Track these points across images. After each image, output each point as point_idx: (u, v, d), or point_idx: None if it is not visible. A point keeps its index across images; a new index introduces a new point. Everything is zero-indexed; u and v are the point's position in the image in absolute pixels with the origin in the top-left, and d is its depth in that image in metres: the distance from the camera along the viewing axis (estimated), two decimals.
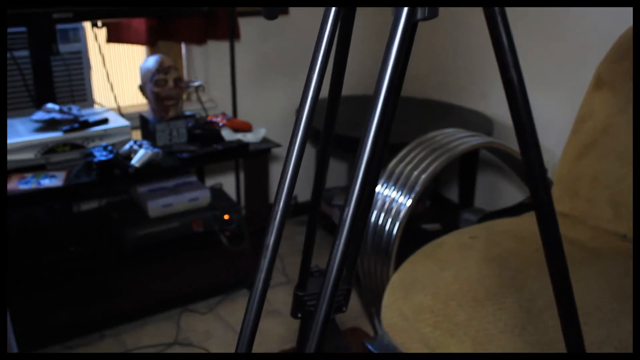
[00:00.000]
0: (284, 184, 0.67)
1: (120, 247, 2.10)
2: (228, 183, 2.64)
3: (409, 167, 1.87)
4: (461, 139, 1.92)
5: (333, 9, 0.68)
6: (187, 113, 2.28)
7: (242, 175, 2.62)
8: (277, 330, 2.18)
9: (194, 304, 2.32)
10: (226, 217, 2.27)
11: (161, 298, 2.21)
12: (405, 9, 0.60)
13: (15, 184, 1.89)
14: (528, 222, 1.88)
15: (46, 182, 1.90)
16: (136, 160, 1.99)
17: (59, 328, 2.04)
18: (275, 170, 2.61)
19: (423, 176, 1.83)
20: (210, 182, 2.59)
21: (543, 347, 1.37)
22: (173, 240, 2.17)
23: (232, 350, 1.96)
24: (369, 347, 1.90)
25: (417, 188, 1.82)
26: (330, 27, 0.68)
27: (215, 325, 2.21)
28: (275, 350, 2.06)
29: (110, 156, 1.94)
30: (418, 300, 1.60)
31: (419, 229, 2.55)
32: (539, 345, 1.37)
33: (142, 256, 2.11)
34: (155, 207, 2.17)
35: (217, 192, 2.41)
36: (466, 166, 2.64)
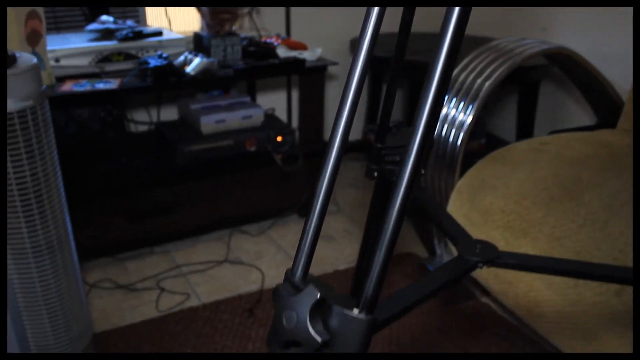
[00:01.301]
0: (345, 106, 0.60)
1: (173, 163, 2.05)
2: (280, 109, 2.57)
3: (472, 75, 1.77)
4: (526, 45, 1.82)
5: None
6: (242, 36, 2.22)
7: (294, 100, 2.55)
8: (330, 253, 2.13)
9: (244, 226, 2.27)
10: (279, 138, 2.21)
11: (212, 218, 2.16)
12: None
13: (70, 87, 1.85)
14: (603, 134, 1.77)
15: (101, 86, 1.86)
16: (192, 69, 1.94)
17: (110, 240, 2.01)
18: (330, 91, 2.53)
19: (487, 83, 1.74)
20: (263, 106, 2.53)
21: (627, 239, 1.27)
22: (226, 158, 2.12)
23: (283, 269, 1.90)
24: (429, 267, 1.81)
25: (482, 95, 1.72)
26: None
27: (266, 246, 2.16)
28: (329, 271, 2.00)
29: (166, 62, 1.89)
30: (487, 202, 1.52)
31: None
32: (622, 238, 1.27)
33: (194, 172, 2.06)
34: (208, 122, 2.11)
35: (270, 117, 2.34)
36: (525, 98, 2.52)
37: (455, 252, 1.69)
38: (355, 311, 0.53)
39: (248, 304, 1.83)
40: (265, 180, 2.20)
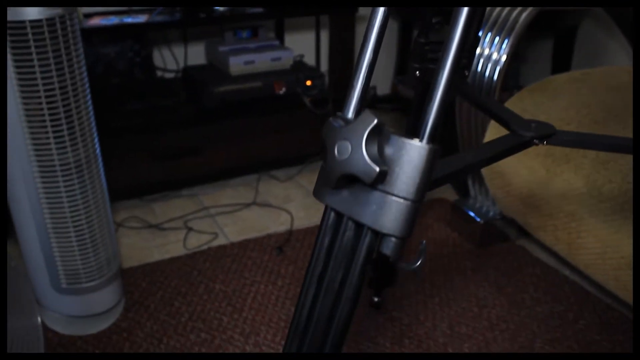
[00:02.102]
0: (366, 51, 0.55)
1: (201, 103, 2.02)
2: (309, 55, 2.52)
3: (507, 9, 1.70)
4: None
5: None
6: None
7: (323, 45, 2.49)
8: None
9: (272, 172, 2.22)
10: (308, 83, 2.16)
11: (240, 162, 2.12)
12: None
13: (97, 21, 1.82)
14: None
15: (129, 20, 1.82)
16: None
17: (138, 182, 1.99)
18: (361, 34, 2.46)
19: (524, 14, 1.66)
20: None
21: None
22: (254, 100, 2.08)
23: (312, 212, 1.85)
24: (466, 210, 1.76)
25: (517, 29, 1.65)
26: None
27: (294, 191, 2.12)
28: None
29: None
30: None
31: None
32: None
33: (222, 114, 2.03)
34: (237, 63, 2.07)
35: (299, 64, 2.29)
36: (560, 46, 2.44)
37: (490, 193, 1.64)
38: (416, 140, 0.48)
39: (277, 242, 1.79)
40: (294, 124, 2.16)
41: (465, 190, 1.90)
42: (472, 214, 1.82)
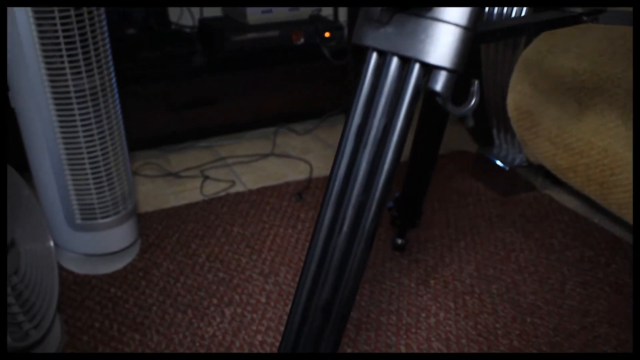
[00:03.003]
0: None
1: (218, 52, 1.96)
2: (326, 9, 2.45)
3: None
4: None
5: None
6: None
7: None
8: None
9: (290, 125, 2.17)
10: (327, 34, 2.09)
11: (257, 114, 2.07)
12: None
13: None
14: None
15: None
16: None
17: (153, 132, 1.94)
18: None
19: None
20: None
21: None
22: (272, 49, 2.02)
23: (329, 162, 1.80)
24: (490, 158, 1.70)
25: None
26: None
27: (313, 144, 2.07)
28: None
29: None
30: (557, 66, 1.39)
31: None
32: None
33: (239, 63, 1.98)
34: (254, 12, 2.01)
35: (316, 17, 2.22)
36: None
37: (518, 143, 1.57)
38: None
39: (296, 189, 1.73)
40: (312, 76, 2.10)
41: (489, 139, 1.83)
42: (497, 162, 1.75)
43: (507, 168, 1.72)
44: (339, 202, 0.54)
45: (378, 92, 0.50)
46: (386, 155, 0.50)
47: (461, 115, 0.49)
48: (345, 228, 0.53)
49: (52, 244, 1.13)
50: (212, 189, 1.75)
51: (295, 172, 1.86)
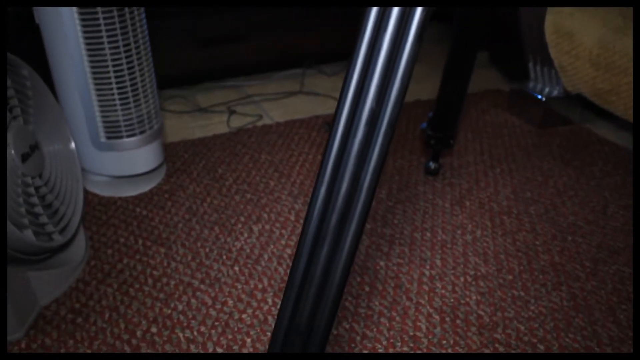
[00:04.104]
0: None
1: None
2: None
3: None
4: None
5: None
6: None
7: None
8: (412, 87, 1.95)
9: (318, 66, 2.11)
10: None
11: (285, 53, 2.02)
12: None
13: None
14: None
15: None
16: None
17: (180, 69, 1.89)
18: None
19: None
20: None
21: None
22: None
23: None
24: (526, 90, 1.63)
25: None
26: None
27: (341, 84, 1.99)
28: (410, 100, 1.83)
29: None
30: None
31: None
32: None
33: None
34: None
35: None
36: None
37: (557, 74, 1.50)
38: None
39: (326, 120, 1.68)
40: (343, 16, 2.03)
41: (524, 75, 1.76)
42: (533, 93, 1.69)
43: (543, 99, 1.65)
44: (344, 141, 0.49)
45: (378, 43, 0.46)
46: (388, 101, 0.46)
47: None
48: (352, 159, 0.48)
49: (74, 146, 1.09)
50: (239, 122, 1.71)
51: (323, 108, 1.81)
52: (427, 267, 1.10)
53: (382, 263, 1.11)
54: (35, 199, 0.96)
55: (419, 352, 0.91)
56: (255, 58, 1.99)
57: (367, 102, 0.47)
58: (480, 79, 2.04)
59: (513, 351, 0.92)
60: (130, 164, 1.33)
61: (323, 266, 0.49)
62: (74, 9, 1.11)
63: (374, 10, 0.47)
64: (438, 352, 0.91)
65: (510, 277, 1.08)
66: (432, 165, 1.38)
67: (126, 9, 1.16)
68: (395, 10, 0.45)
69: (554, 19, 1.48)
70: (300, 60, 2.08)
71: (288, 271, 1.10)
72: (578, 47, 1.43)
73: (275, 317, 0.91)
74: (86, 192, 1.33)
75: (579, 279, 1.08)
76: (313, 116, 1.73)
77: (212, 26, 1.86)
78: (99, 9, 1.12)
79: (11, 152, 0.89)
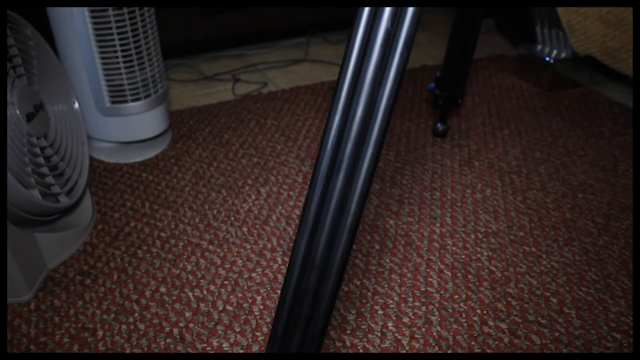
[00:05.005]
0: None
1: None
2: None
3: None
4: None
5: None
6: None
7: None
8: (418, 54, 1.93)
9: (322, 34, 2.09)
10: None
11: (289, 20, 1.99)
12: None
13: None
14: None
15: None
16: None
17: (184, 38, 1.87)
18: None
19: None
20: None
21: None
22: None
23: None
24: (534, 52, 1.60)
25: None
26: None
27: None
28: (416, 66, 1.81)
29: None
30: None
31: None
32: None
33: None
34: None
35: None
36: None
37: (566, 35, 1.48)
38: None
39: (331, 86, 1.66)
40: None
41: (532, 38, 1.74)
42: (541, 56, 1.66)
43: (551, 61, 1.63)
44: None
45: (371, 42, 0.44)
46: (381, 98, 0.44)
47: None
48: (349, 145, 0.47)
49: (77, 106, 1.08)
50: (244, 90, 1.70)
51: (329, 75, 1.79)
52: (437, 225, 1.09)
53: (391, 222, 1.10)
54: (41, 160, 0.95)
55: (431, 306, 0.90)
56: (259, 27, 1.97)
57: (382, 22, 0.46)
58: (487, 45, 2.02)
59: (526, 305, 0.91)
60: (135, 129, 1.32)
61: (338, 197, 0.47)
62: None
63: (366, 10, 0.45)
64: (450, 306, 0.90)
65: (522, 233, 1.07)
66: (440, 126, 1.37)
67: None
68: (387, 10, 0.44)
69: None
70: (304, 28, 2.05)
71: (297, 230, 1.09)
72: (587, 5, 1.41)
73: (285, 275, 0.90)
74: (91, 159, 1.32)
75: (591, 234, 1.07)
76: (318, 82, 1.72)
77: None
78: None
79: (16, 111, 0.88)
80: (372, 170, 0.47)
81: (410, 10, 0.44)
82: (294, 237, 1.03)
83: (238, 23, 1.91)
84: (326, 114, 1.50)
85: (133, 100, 1.27)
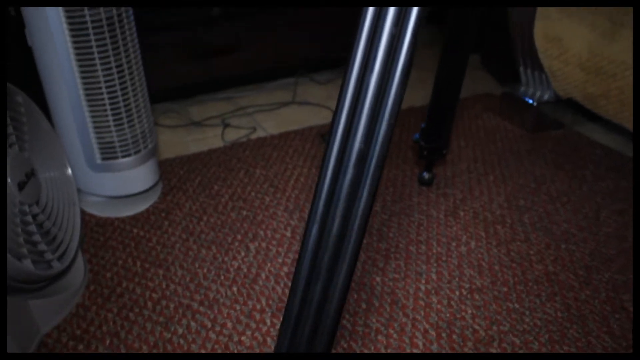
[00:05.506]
0: None
1: None
2: None
3: None
4: None
5: None
6: None
7: None
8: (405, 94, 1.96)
9: (310, 74, 2.12)
10: None
11: (277, 62, 2.02)
12: None
13: None
14: None
15: None
16: None
17: (174, 83, 1.89)
18: None
19: None
20: None
21: None
22: None
23: None
24: (518, 94, 1.64)
25: None
26: None
27: (335, 91, 2.02)
28: (404, 108, 1.84)
29: None
30: None
31: None
32: None
33: (259, 8, 1.91)
34: None
35: None
36: None
37: (548, 78, 1.51)
38: None
39: (320, 133, 1.69)
40: (332, 21, 2.04)
41: (515, 79, 1.78)
42: (525, 98, 1.70)
43: (535, 104, 1.66)
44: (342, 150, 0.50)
45: (375, 44, 0.46)
46: (387, 101, 0.47)
47: None
48: (349, 172, 0.49)
49: (70, 172, 1.10)
50: (234, 135, 1.72)
51: (317, 118, 1.82)
52: (423, 281, 1.11)
53: (378, 279, 1.12)
54: (33, 227, 0.97)
55: None
56: (248, 69, 2.00)
57: (373, 77, 0.48)
58: (472, 82, 2.05)
59: None
60: (126, 184, 1.34)
61: (318, 300, 0.50)
62: (66, 30, 1.12)
63: (370, 10, 0.48)
64: None
65: (505, 289, 1.09)
66: (425, 175, 1.40)
67: (116, 24, 1.17)
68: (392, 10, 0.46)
69: (543, 25, 1.49)
70: (292, 69, 2.09)
71: (285, 290, 1.11)
72: (567, 53, 1.45)
73: (275, 337, 0.92)
74: (83, 213, 1.35)
75: (573, 288, 1.09)
76: (307, 127, 1.74)
77: (204, 39, 1.87)
78: (90, 30, 1.13)
79: (8, 181, 0.90)
80: (349, 279, 0.50)
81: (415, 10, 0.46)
82: (282, 297, 1.06)
83: (226, 66, 1.94)
84: (315, 162, 1.53)
85: (123, 157, 1.29)
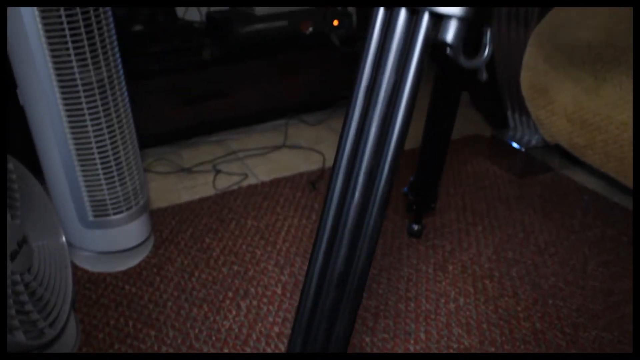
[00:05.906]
0: None
1: (227, 44, 1.94)
2: None
3: None
4: None
5: None
6: None
7: None
8: None
9: (300, 116, 2.14)
10: (335, 22, 2.07)
11: (267, 106, 2.05)
12: None
13: None
14: None
15: None
16: None
17: (164, 128, 1.92)
18: None
19: None
20: None
21: None
22: (281, 39, 1.99)
23: None
24: (506, 140, 1.67)
25: None
26: None
27: (325, 133, 2.04)
28: None
29: None
30: (570, 39, 1.36)
31: None
32: None
33: (249, 54, 1.94)
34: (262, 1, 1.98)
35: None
36: None
37: (534, 123, 1.54)
38: None
39: (310, 180, 1.71)
40: (322, 65, 2.07)
41: (504, 122, 1.80)
42: (512, 143, 1.72)
43: (523, 149, 1.69)
44: (350, 169, 0.52)
45: (386, 50, 0.48)
46: (397, 113, 0.48)
47: (474, 68, 0.47)
48: (357, 194, 0.50)
49: (64, 239, 1.11)
50: (225, 182, 1.74)
51: (308, 163, 1.84)
52: (412, 341, 1.13)
53: (367, 339, 1.13)
54: (25, 297, 0.98)
55: None
56: (239, 112, 2.02)
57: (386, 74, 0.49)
58: (462, 123, 2.08)
59: None
60: (118, 239, 1.35)
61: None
62: (56, 87, 1.14)
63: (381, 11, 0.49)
64: None
65: (493, 349, 1.11)
66: (415, 227, 1.41)
67: (107, 86, 1.19)
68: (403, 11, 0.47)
69: (529, 75, 1.51)
70: (282, 110, 2.11)
71: (276, 352, 1.12)
72: (553, 104, 1.47)
73: None
74: (75, 268, 1.36)
75: (560, 347, 1.11)
76: (297, 173, 1.76)
77: (195, 84, 1.89)
78: (80, 87, 1.15)
79: None
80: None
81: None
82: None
83: (217, 111, 1.96)
84: (305, 212, 1.55)
85: (115, 214, 1.31)
